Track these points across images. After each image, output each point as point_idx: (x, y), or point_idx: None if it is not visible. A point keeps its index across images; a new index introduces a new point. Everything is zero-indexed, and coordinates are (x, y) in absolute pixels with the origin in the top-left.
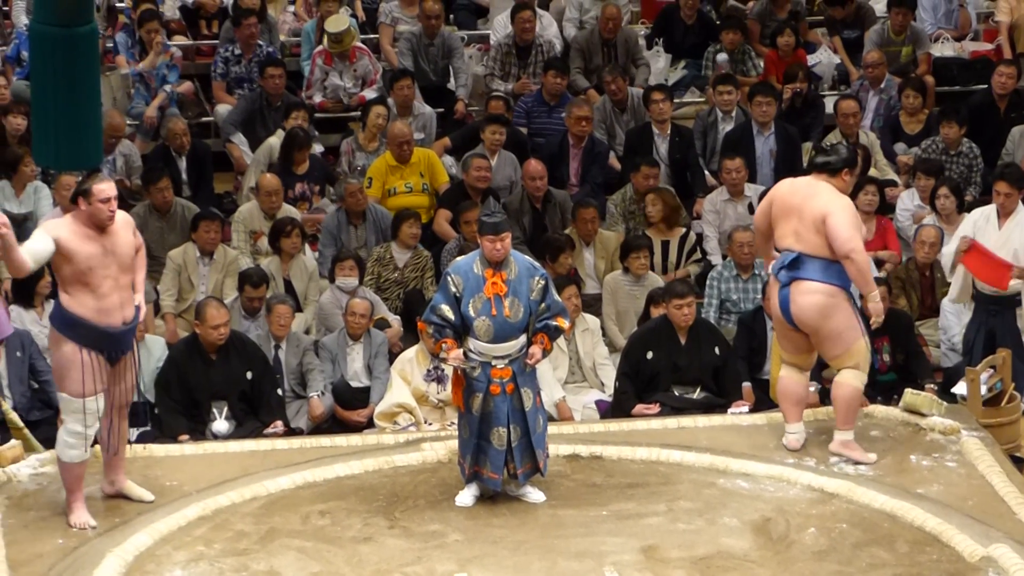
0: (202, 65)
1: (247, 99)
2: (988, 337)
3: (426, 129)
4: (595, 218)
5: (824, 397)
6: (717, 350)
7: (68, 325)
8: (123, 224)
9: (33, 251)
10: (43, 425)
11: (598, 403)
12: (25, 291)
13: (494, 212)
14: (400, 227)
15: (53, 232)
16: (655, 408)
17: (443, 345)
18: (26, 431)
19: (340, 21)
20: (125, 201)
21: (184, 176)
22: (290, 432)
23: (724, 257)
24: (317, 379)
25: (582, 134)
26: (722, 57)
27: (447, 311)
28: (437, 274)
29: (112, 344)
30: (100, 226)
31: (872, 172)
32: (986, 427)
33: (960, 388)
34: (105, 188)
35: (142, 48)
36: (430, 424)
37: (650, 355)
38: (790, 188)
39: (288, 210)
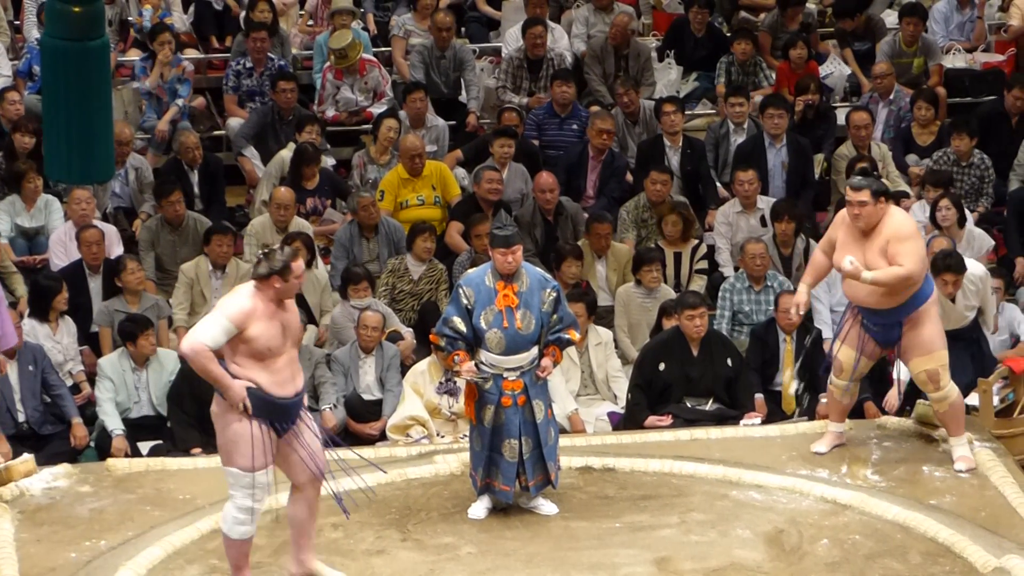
0: (214, 79)
1: (259, 112)
2: None
3: (438, 142)
4: (609, 233)
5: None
6: (729, 362)
7: None
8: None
9: (217, 344)
10: (55, 439)
11: (610, 415)
12: (41, 305)
13: (505, 225)
14: (415, 240)
15: (238, 319)
16: (667, 420)
17: (455, 357)
18: None
19: (342, 37)
20: (135, 215)
21: (196, 190)
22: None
23: (736, 269)
24: (329, 392)
25: (603, 147)
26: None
27: (459, 323)
28: (451, 287)
29: (281, 415)
30: (283, 301)
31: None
32: (998, 438)
33: (972, 399)
34: (301, 264)
35: (154, 63)
36: (442, 436)
37: (662, 367)
38: None
39: (300, 224)
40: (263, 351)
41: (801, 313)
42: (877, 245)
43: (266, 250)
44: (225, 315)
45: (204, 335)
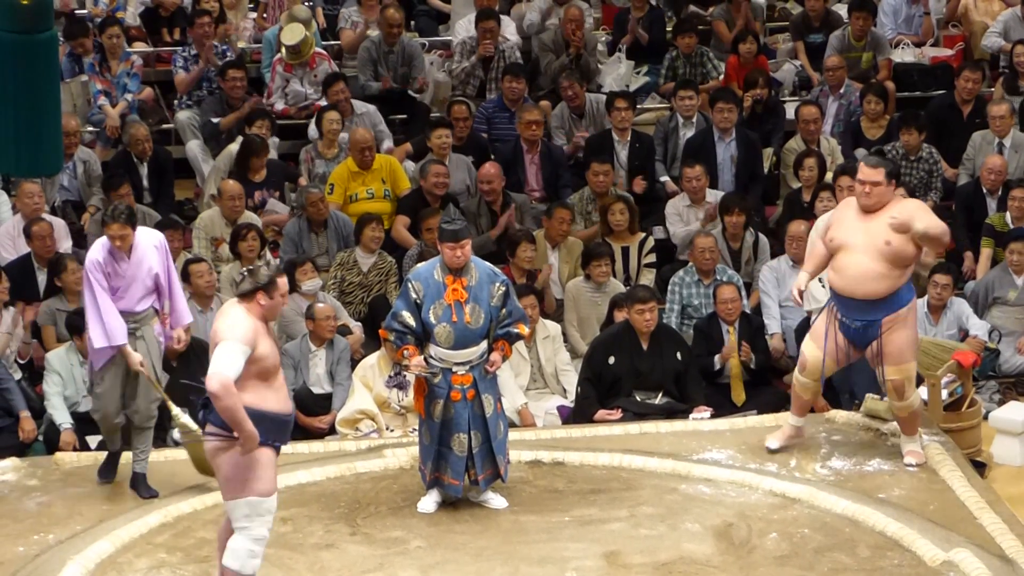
0: (163, 72)
1: (208, 103)
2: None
3: (376, 126)
4: (570, 220)
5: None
6: (679, 355)
7: (253, 421)
8: None
9: (239, 372)
10: (3, 433)
11: (560, 409)
12: None
13: (454, 219)
14: (363, 230)
15: (249, 339)
16: (617, 413)
17: (404, 352)
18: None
19: (295, 32)
20: (84, 208)
21: (145, 183)
22: None
23: (685, 262)
24: None
25: (533, 138)
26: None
27: (408, 318)
28: (401, 280)
29: (287, 433)
30: (271, 319)
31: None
32: (947, 432)
33: (921, 393)
34: (285, 280)
35: (103, 57)
36: (392, 430)
37: (612, 360)
38: None
39: (249, 217)
40: (270, 369)
41: (802, 289)
42: (878, 225)
43: (250, 267)
44: (236, 339)
45: (226, 368)
